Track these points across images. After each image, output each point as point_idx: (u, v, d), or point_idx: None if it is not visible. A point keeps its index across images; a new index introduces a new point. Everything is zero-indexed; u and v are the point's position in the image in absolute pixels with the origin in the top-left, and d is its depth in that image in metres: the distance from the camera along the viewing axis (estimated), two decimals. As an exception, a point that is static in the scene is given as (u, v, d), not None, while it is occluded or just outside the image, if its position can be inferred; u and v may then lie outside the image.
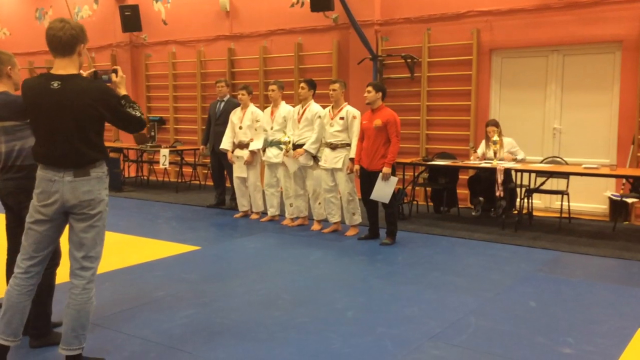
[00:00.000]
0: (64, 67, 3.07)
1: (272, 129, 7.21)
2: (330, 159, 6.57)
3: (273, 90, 7.22)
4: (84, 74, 3.17)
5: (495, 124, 7.38)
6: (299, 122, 6.90)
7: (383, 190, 6.12)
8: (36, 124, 3.12)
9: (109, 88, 3.13)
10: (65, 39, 3.02)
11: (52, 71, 3.08)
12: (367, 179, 6.25)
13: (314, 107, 6.86)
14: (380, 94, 6.20)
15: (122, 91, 3.19)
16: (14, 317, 3.14)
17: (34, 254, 3.12)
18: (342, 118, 6.52)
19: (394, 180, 6.13)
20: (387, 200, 6.16)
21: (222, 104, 8.12)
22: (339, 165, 6.52)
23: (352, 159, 6.43)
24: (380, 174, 6.09)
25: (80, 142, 3.02)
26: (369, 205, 6.39)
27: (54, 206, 3.04)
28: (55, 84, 3.01)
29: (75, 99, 2.99)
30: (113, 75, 3.21)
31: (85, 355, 3.23)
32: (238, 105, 7.72)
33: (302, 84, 6.92)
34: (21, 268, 3.14)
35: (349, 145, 6.51)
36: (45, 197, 3.05)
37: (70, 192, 3.03)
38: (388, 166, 6.09)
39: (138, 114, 3.15)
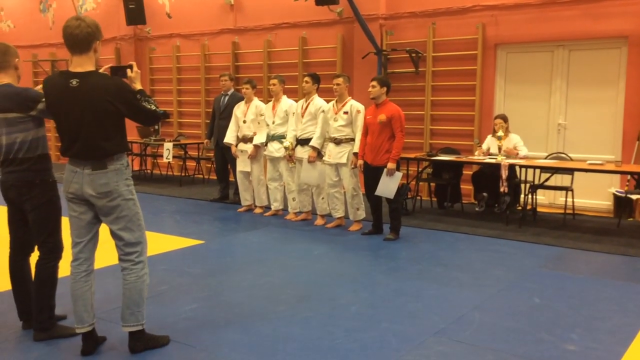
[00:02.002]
0: (81, 64, 3.17)
1: (273, 123, 7.20)
2: (335, 153, 6.56)
3: (274, 85, 7.21)
4: (101, 69, 3.27)
5: (504, 118, 7.35)
6: (302, 116, 6.88)
7: (387, 186, 6.10)
8: (58, 120, 3.23)
9: (124, 83, 3.23)
10: (81, 37, 3.12)
11: (71, 69, 3.18)
12: (371, 174, 6.23)
13: (317, 101, 6.84)
14: (385, 88, 6.17)
15: (138, 86, 3.31)
16: (77, 306, 3.32)
17: (77, 240, 3.31)
18: (346, 112, 6.50)
19: (398, 175, 6.11)
20: (391, 196, 6.14)
21: (226, 97, 8.10)
22: (344, 160, 6.51)
23: (356, 154, 6.42)
24: (385, 170, 6.08)
25: (99, 136, 3.15)
26: (373, 201, 6.37)
27: (75, 194, 3.22)
28: (74, 82, 3.12)
29: (93, 96, 3.11)
30: (128, 70, 3.32)
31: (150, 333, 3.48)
32: (242, 99, 7.71)
33: (306, 78, 6.90)
34: (73, 256, 3.33)
35: (353, 140, 6.49)
36: (67, 186, 3.25)
37: (88, 184, 3.19)
38: (393, 162, 6.07)
39: (153, 107, 3.28)
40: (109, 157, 3.19)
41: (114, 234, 3.30)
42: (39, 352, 3.42)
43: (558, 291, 4.61)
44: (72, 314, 3.42)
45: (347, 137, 6.51)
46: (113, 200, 3.21)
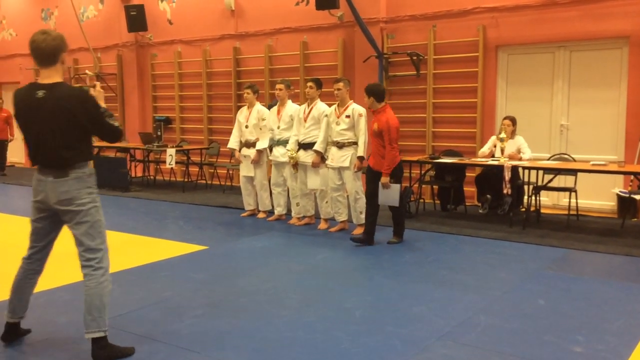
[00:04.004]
0: (49, 76, 3.30)
1: (278, 127, 7.20)
2: (337, 157, 6.55)
3: (280, 89, 7.19)
4: None
5: (512, 120, 7.35)
6: (305, 120, 6.89)
7: (388, 196, 6.03)
8: (26, 130, 3.36)
9: (89, 96, 3.35)
10: (48, 50, 3.26)
11: (39, 80, 3.31)
12: (371, 176, 6.18)
13: (320, 105, 6.84)
14: (372, 98, 6.07)
15: (101, 104, 3.44)
16: (14, 297, 3.53)
17: (34, 244, 3.50)
18: (348, 116, 6.50)
19: (396, 187, 6.00)
20: (396, 204, 6.08)
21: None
22: (346, 164, 6.50)
23: (359, 157, 6.41)
24: (380, 183, 6.01)
25: (61, 145, 3.27)
26: (370, 203, 6.26)
27: (41, 202, 3.35)
28: (41, 93, 3.26)
29: (57, 106, 3.24)
30: (91, 89, 3.48)
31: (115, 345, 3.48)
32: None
33: (310, 84, 6.88)
34: (27, 254, 3.52)
35: (355, 143, 6.49)
36: (35, 195, 3.39)
37: (51, 191, 3.30)
38: (385, 175, 5.96)
39: (116, 124, 3.41)
40: (70, 166, 3.29)
41: (76, 239, 3.38)
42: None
43: (563, 293, 4.60)
44: (70, 324, 3.43)
45: (350, 140, 6.51)
46: (74, 207, 3.31)
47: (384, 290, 4.69)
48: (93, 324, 3.35)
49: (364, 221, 6.66)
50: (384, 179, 5.98)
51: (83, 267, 3.39)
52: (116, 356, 3.43)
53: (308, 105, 6.91)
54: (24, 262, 3.51)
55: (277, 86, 7.25)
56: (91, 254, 3.37)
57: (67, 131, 3.25)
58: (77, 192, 3.30)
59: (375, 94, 6.08)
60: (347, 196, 6.75)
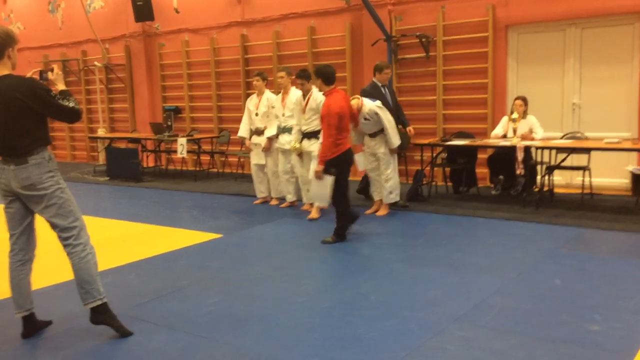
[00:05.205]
0: None
1: (283, 115, 7.17)
2: (372, 145, 6.64)
3: (282, 77, 7.14)
4: (29, 73, 3.57)
5: (524, 100, 7.28)
6: (304, 112, 6.82)
7: (319, 191, 5.59)
8: None
9: (37, 82, 3.44)
10: None
11: None
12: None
13: (317, 95, 6.65)
14: (320, 80, 5.61)
15: (60, 87, 3.55)
16: (14, 292, 3.59)
17: (11, 232, 3.58)
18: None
19: (328, 180, 5.47)
20: (325, 203, 5.64)
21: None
22: (382, 150, 6.60)
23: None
24: (313, 172, 5.65)
25: (15, 135, 3.37)
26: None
27: (5, 189, 3.47)
28: None
29: (7, 96, 3.34)
30: (50, 73, 3.58)
31: (119, 328, 3.60)
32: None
33: (300, 81, 6.65)
34: (10, 247, 3.59)
35: (382, 130, 6.54)
36: (0, 182, 3.50)
37: (13, 179, 3.42)
38: (319, 163, 5.48)
39: (71, 104, 3.46)
40: (28, 153, 3.38)
41: (49, 223, 3.50)
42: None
43: (578, 272, 4.59)
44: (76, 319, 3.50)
45: (379, 129, 6.54)
46: (37, 192, 3.42)
47: (398, 275, 4.70)
48: (87, 296, 3.52)
49: (392, 200, 6.72)
50: (318, 167, 5.48)
51: (63, 247, 3.51)
52: (111, 325, 3.58)
53: (304, 97, 6.82)
54: (9, 256, 3.58)
55: (279, 74, 7.18)
56: (67, 233, 3.49)
57: (20, 120, 3.35)
58: (38, 177, 3.40)
59: (324, 75, 5.60)
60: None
